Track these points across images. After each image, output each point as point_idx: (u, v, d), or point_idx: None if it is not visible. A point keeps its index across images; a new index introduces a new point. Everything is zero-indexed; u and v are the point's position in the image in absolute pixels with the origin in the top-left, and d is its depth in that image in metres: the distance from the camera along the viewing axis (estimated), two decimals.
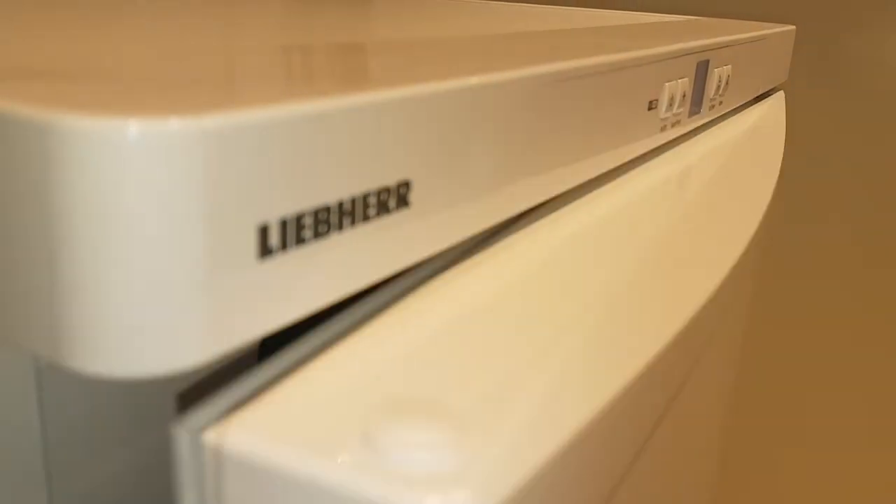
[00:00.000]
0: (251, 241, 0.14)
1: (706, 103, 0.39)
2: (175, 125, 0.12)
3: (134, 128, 0.12)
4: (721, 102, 0.41)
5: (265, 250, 0.14)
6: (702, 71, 0.37)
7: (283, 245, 0.14)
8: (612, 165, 0.29)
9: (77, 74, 0.15)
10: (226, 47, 0.22)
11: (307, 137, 0.14)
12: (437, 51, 0.23)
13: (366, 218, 0.16)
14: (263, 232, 0.14)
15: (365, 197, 0.16)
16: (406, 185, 0.17)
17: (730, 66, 0.41)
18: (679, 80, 0.34)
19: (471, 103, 0.19)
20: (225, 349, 0.14)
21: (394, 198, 0.17)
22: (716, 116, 0.41)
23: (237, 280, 0.14)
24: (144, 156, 0.12)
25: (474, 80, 0.19)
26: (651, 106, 0.31)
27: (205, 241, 0.13)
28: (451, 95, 0.18)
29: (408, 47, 0.24)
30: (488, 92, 0.20)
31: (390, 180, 0.17)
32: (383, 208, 0.17)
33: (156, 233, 0.13)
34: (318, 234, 0.15)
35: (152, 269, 0.13)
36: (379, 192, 0.17)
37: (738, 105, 0.45)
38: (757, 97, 0.52)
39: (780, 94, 0.56)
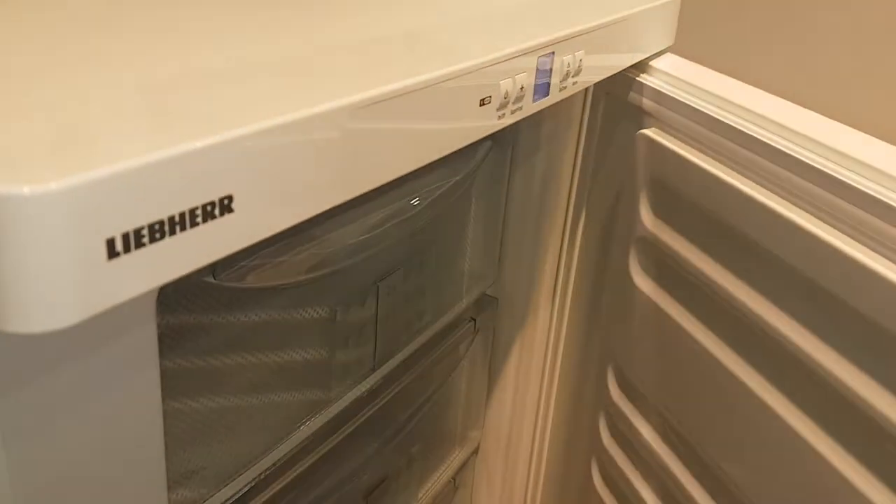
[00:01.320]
0: (101, 249, 0.22)
1: (555, 88, 0.46)
2: (39, 191, 0.20)
3: (25, 191, 0.20)
4: (575, 83, 0.49)
5: (112, 252, 0.22)
6: (545, 62, 0.44)
7: (127, 249, 0.22)
8: (438, 155, 0.36)
9: None
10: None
11: (142, 181, 0.22)
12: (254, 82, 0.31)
13: (193, 224, 0.24)
14: (110, 243, 0.22)
15: (192, 210, 0.24)
16: (229, 197, 0.25)
17: (582, 52, 0.48)
18: (516, 76, 0.41)
19: (284, 134, 0.27)
20: (91, 314, 0.22)
21: (219, 207, 0.25)
22: (568, 95, 0.49)
23: (95, 273, 0.22)
24: (30, 207, 0.20)
25: (283, 118, 0.27)
26: (483, 102, 0.39)
27: (73, 251, 0.21)
28: (267, 133, 0.26)
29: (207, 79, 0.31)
30: (301, 125, 0.27)
31: (215, 196, 0.25)
32: (209, 216, 0.25)
33: (47, 247, 0.21)
34: (153, 240, 0.23)
35: (47, 268, 0.21)
36: (204, 206, 0.24)
37: (596, 81, 0.53)
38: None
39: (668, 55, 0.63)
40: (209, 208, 0.25)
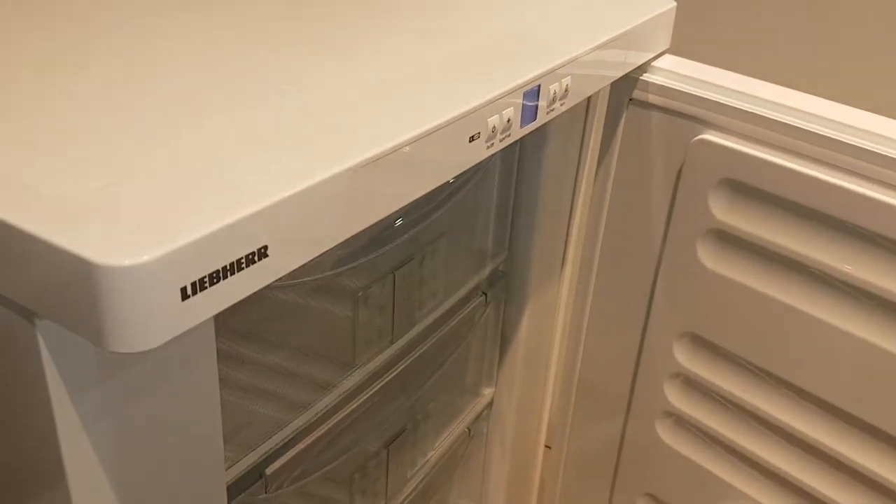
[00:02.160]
0: (177, 295, 0.31)
1: (542, 111, 0.54)
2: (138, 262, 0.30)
3: (126, 263, 0.30)
4: (563, 104, 0.57)
5: (184, 296, 0.32)
6: (532, 94, 0.52)
7: (194, 293, 0.32)
8: (432, 187, 0.45)
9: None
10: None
11: (204, 245, 0.32)
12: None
13: (240, 269, 0.34)
14: (183, 290, 0.32)
15: (238, 260, 0.34)
16: (265, 247, 0.35)
17: (569, 78, 0.56)
18: (503, 111, 0.49)
19: (304, 198, 0.36)
20: (170, 338, 0.32)
21: (257, 255, 0.35)
22: (556, 115, 0.57)
23: (173, 310, 0.32)
24: (130, 273, 0.30)
25: (302, 184, 0.36)
26: (473, 139, 0.47)
27: (160, 298, 0.31)
28: (290, 198, 0.35)
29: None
30: (318, 188, 0.37)
31: (254, 248, 0.34)
32: (251, 262, 0.34)
33: (141, 297, 0.30)
34: (212, 284, 0.33)
35: (141, 311, 0.31)
36: (248, 255, 0.34)
37: (588, 95, 0.61)
38: None
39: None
40: (251, 256, 0.34)
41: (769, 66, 0.80)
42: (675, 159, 0.70)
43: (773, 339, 0.70)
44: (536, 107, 0.53)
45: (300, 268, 0.51)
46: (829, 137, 0.61)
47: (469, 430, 0.84)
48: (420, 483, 0.76)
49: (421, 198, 0.61)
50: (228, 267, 0.33)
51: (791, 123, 0.63)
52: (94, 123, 0.40)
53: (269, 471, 0.55)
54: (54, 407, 0.36)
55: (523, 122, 0.53)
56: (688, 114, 0.67)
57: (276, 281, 0.49)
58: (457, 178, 0.65)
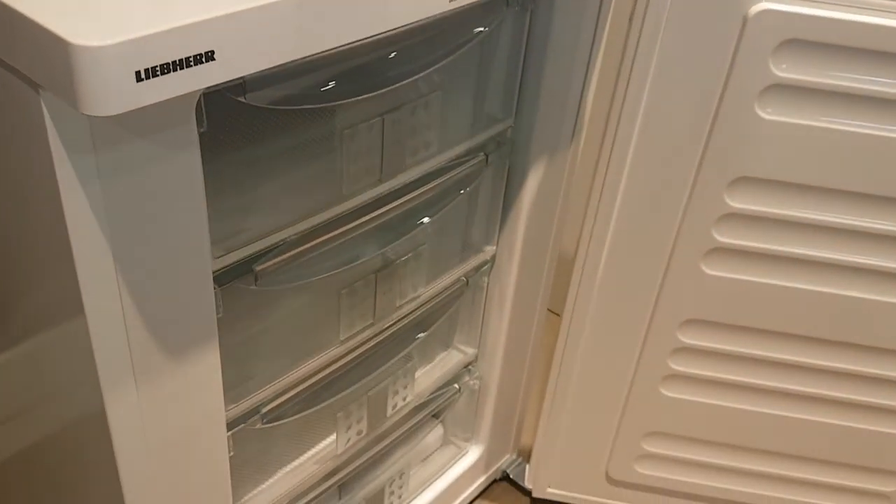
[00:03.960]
0: (133, 76, 0.42)
1: None
2: None
3: (94, 43, 0.40)
4: None
5: (139, 78, 0.42)
6: None
7: (147, 77, 0.42)
8: (391, 24, 0.54)
9: None
10: None
11: (156, 41, 0.42)
12: None
13: (188, 66, 0.44)
14: (137, 73, 0.42)
15: (186, 58, 0.44)
16: (212, 52, 0.45)
17: None
18: None
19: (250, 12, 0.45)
20: (127, 109, 0.43)
21: (204, 58, 0.44)
22: None
23: (130, 87, 0.42)
24: (99, 52, 0.40)
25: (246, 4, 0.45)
26: None
27: (119, 75, 0.41)
28: (240, 15, 0.45)
29: None
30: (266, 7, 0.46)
31: (201, 51, 0.44)
32: (198, 62, 0.44)
33: (106, 71, 0.41)
34: (164, 73, 0.43)
35: (105, 83, 0.41)
36: (195, 56, 0.44)
37: None
38: None
39: None
40: (199, 57, 0.44)
41: None
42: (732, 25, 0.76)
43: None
44: None
45: (287, 98, 0.61)
46: None
47: (466, 280, 0.94)
48: (411, 315, 0.87)
49: (417, 49, 0.69)
50: (177, 62, 0.43)
51: None
52: None
53: (257, 267, 0.67)
54: (56, 163, 0.47)
55: None
56: None
57: (261, 101, 0.59)
58: (453, 34, 0.72)
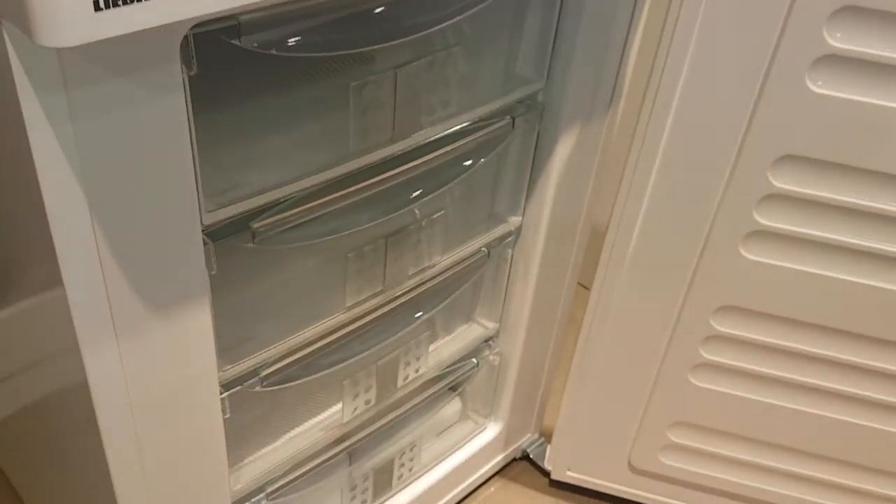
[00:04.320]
0: (90, 5, 0.38)
1: None
2: None
3: None
4: None
5: (97, 8, 0.38)
6: None
7: (107, 7, 0.39)
8: None
9: None
10: None
11: None
12: None
13: None
14: (96, 3, 0.38)
15: None
16: None
17: None
18: None
19: None
20: (85, 42, 0.39)
21: None
22: None
23: (88, 18, 0.38)
24: None
25: None
26: None
27: (76, 6, 0.38)
28: None
29: None
30: None
31: None
32: None
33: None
34: (124, 4, 0.39)
35: (64, 12, 0.38)
36: None
37: None
38: None
39: None
40: None
41: None
42: None
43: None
44: None
45: (286, 44, 0.57)
46: None
47: (488, 251, 0.90)
48: (425, 284, 0.83)
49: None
50: None
51: None
52: None
53: (254, 224, 0.63)
54: (21, 101, 0.44)
55: None
56: None
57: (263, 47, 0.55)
58: None
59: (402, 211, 0.75)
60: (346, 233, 0.71)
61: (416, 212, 0.78)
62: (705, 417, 0.97)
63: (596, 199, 0.93)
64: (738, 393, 0.94)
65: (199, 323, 0.62)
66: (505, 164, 0.88)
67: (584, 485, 1.11)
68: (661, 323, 0.92)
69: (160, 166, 0.52)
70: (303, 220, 0.66)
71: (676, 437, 1.00)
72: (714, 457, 1.01)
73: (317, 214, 0.67)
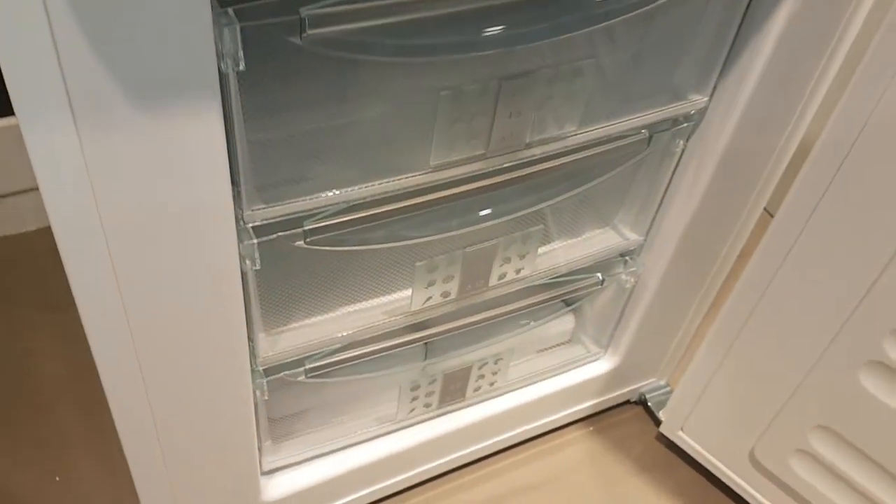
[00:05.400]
0: None
1: None
2: None
3: None
4: None
5: None
6: None
7: None
8: None
9: None
10: None
11: None
12: None
13: None
14: None
15: None
16: None
17: None
18: None
19: None
20: None
21: None
22: None
23: None
24: None
25: None
26: None
27: None
28: None
29: None
30: None
31: None
32: None
33: None
34: None
35: None
36: None
37: None
38: None
39: None
40: None
41: None
42: None
43: None
44: None
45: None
46: None
47: (649, 136, 0.67)
48: (547, 162, 0.63)
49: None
50: None
51: None
52: None
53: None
54: None
55: None
56: None
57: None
58: None
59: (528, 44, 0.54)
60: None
61: (551, 57, 0.56)
62: (863, 432, 0.72)
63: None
64: None
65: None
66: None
67: (693, 454, 0.90)
68: (845, 293, 0.67)
69: None
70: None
71: (818, 444, 0.76)
72: (852, 484, 0.75)
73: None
